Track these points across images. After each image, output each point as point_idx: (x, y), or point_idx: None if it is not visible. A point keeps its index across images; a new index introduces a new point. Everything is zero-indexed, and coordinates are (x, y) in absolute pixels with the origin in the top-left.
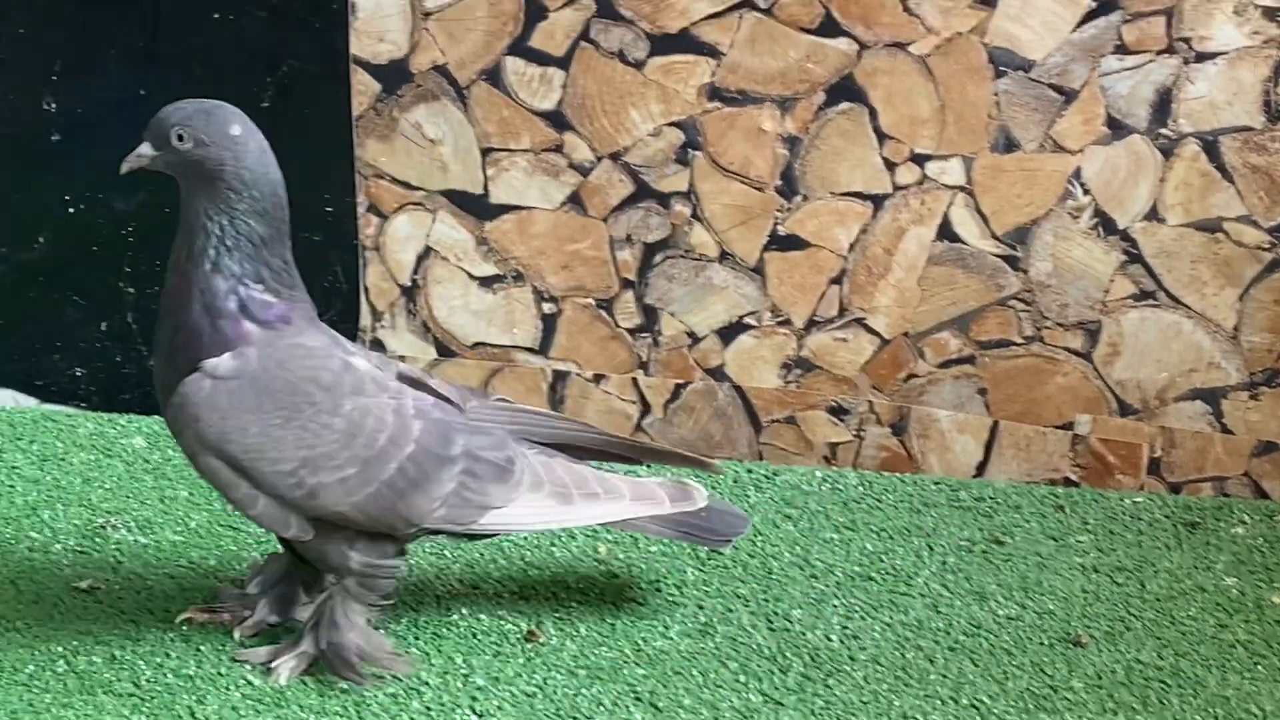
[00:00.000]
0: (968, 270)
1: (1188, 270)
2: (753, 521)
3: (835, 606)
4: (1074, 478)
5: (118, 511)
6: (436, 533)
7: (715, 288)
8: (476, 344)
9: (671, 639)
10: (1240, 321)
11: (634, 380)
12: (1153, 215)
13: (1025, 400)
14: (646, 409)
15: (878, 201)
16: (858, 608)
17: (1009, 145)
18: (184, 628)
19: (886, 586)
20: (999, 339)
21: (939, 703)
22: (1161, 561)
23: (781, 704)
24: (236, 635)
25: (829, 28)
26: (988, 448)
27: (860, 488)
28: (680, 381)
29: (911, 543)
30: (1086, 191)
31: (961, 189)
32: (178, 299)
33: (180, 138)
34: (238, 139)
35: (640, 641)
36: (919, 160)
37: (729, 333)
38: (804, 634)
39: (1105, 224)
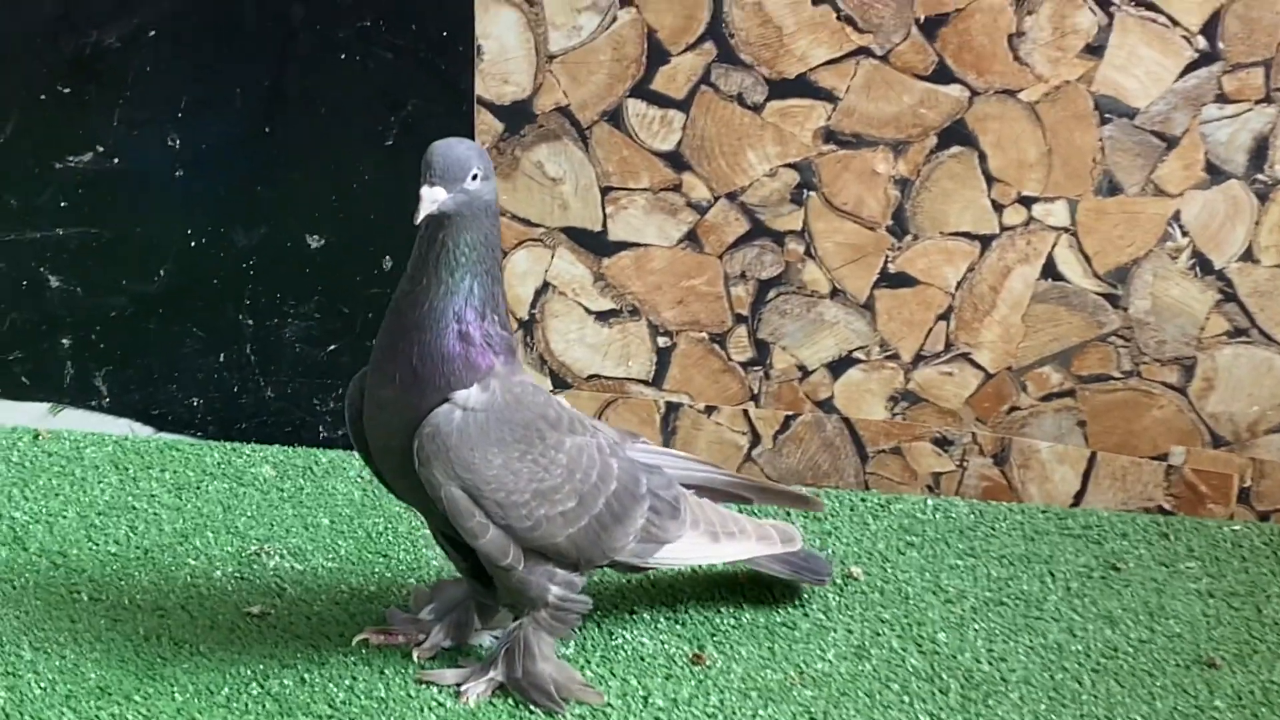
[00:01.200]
0: (1070, 308)
1: None
2: (878, 549)
3: (977, 630)
4: (1168, 506)
5: (266, 539)
6: (614, 565)
7: (826, 323)
8: (591, 376)
9: (830, 661)
10: None
11: (745, 412)
12: (1248, 256)
13: (1123, 432)
14: (756, 439)
15: (985, 241)
16: (998, 631)
17: (1112, 189)
18: (363, 650)
19: (1020, 611)
20: (1099, 373)
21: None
22: (1271, 587)
23: None
24: (415, 657)
25: (942, 74)
26: (1085, 477)
27: (972, 516)
28: (790, 413)
29: (1033, 569)
30: (1185, 234)
31: (1066, 230)
32: (422, 327)
33: (475, 176)
34: (492, 168)
35: (802, 664)
36: (1026, 202)
37: (838, 366)
38: (954, 656)
39: (1202, 264)
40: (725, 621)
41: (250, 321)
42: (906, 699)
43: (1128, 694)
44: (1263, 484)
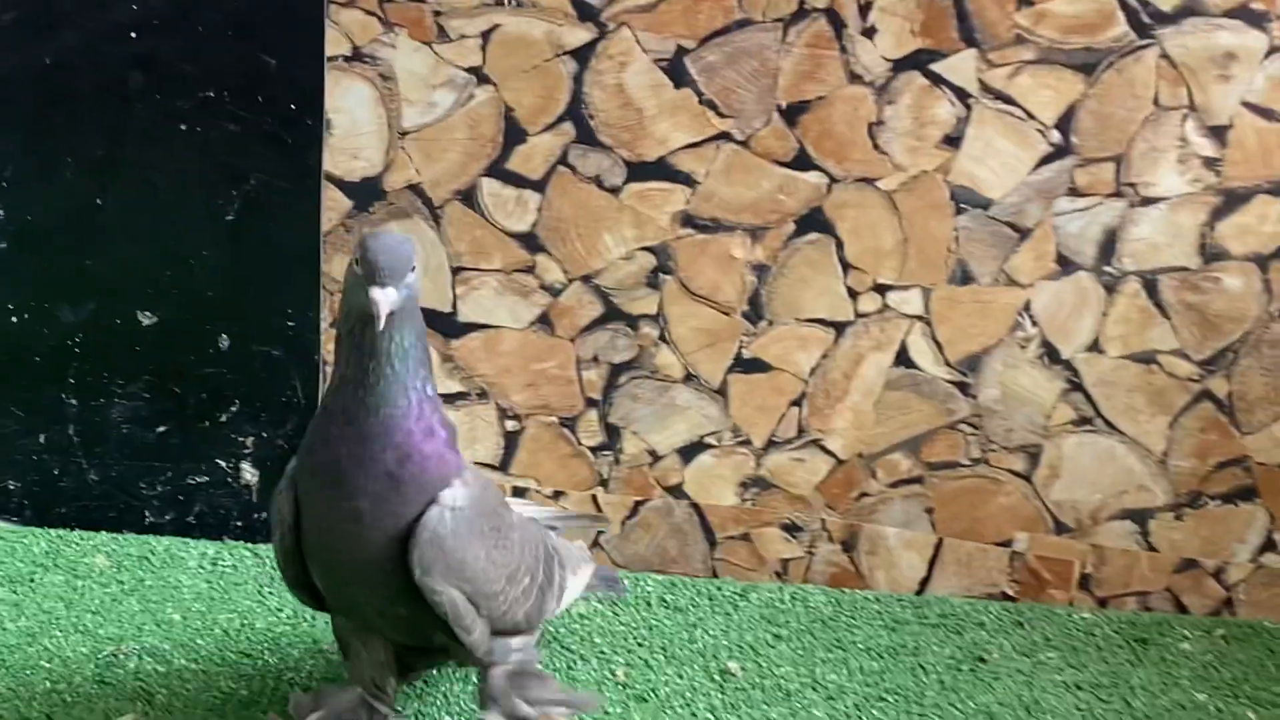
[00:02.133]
0: (921, 395)
1: (1124, 399)
2: (746, 641)
3: None
4: (1011, 592)
5: (120, 638)
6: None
7: (678, 408)
8: None
9: None
10: (1169, 447)
11: (593, 497)
12: (1094, 347)
13: (969, 519)
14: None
15: (840, 328)
16: None
17: (965, 278)
18: None
19: (901, 708)
20: (947, 460)
21: None
22: (1132, 679)
23: None
24: None
25: (801, 161)
26: (931, 564)
27: (830, 606)
28: (639, 499)
29: (903, 661)
30: (1035, 323)
31: (919, 318)
32: (390, 430)
33: (411, 269)
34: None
35: None
36: (881, 290)
37: (689, 451)
38: None
39: (1051, 354)
40: None
41: (74, 401)
42: None
43: None
44: (1103, 570)
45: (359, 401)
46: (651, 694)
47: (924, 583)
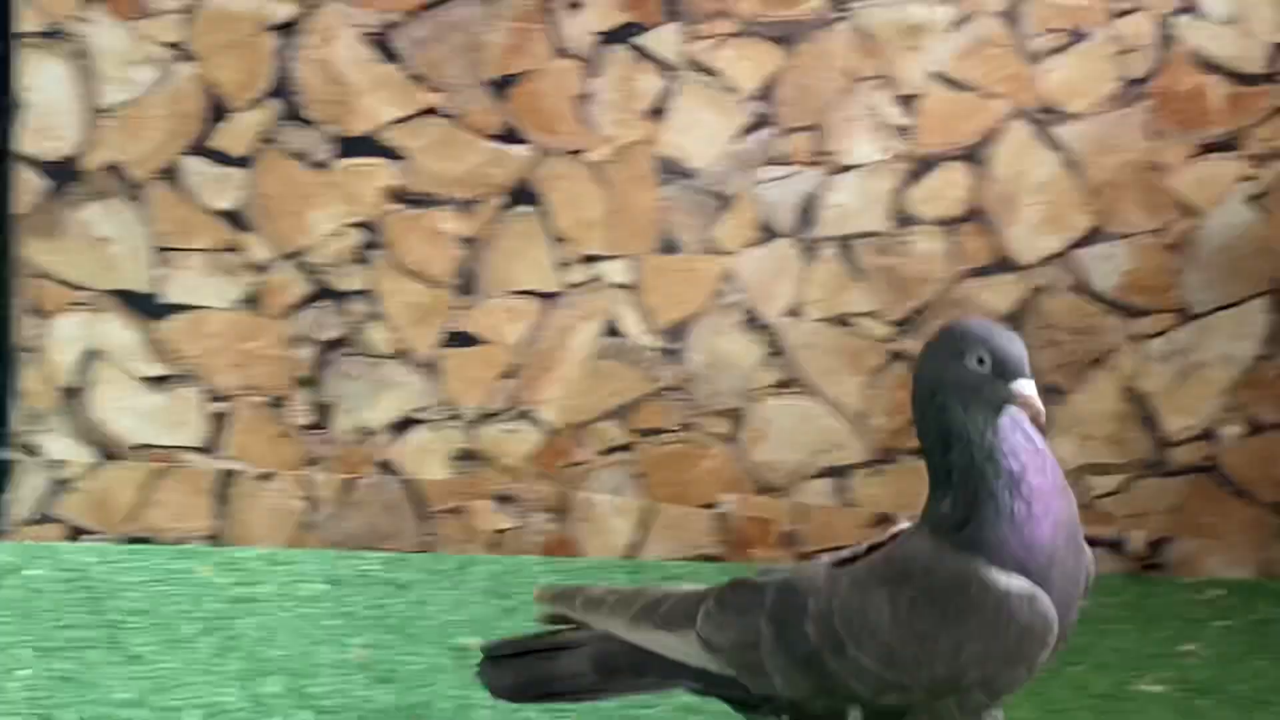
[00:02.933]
0: (630, 363)
1: (823, 361)
2: (475, 615)
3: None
4: (715, 553)
5: None
6: None
7: (389, 384)
8: (140, 445)
9: None
10: (866, 407)
11: (304, 477)
12: (795, 312)
13: (677, 483)
14: (315, 505)
15: (549, 299)
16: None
17: (672, 247)
18: None
19: None
20: (655, 427)
21: None
22: None
23: None
24: None
25: (510, 135)
26: (641, 528)
27: (551, 574)
28: (351, 476)
29: None
30: (739, 290)
31: (627, 288)
32: (1066, 494)
33: None
34: None
35: None
36: (590, 260)
37: (401, 427)
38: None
39: (753, 319)
40: (363, 708)
41: None
42: None
43: None
44: (804, 527)
45: (1043, 473)
46: (393, 674)
47: (635, 547)
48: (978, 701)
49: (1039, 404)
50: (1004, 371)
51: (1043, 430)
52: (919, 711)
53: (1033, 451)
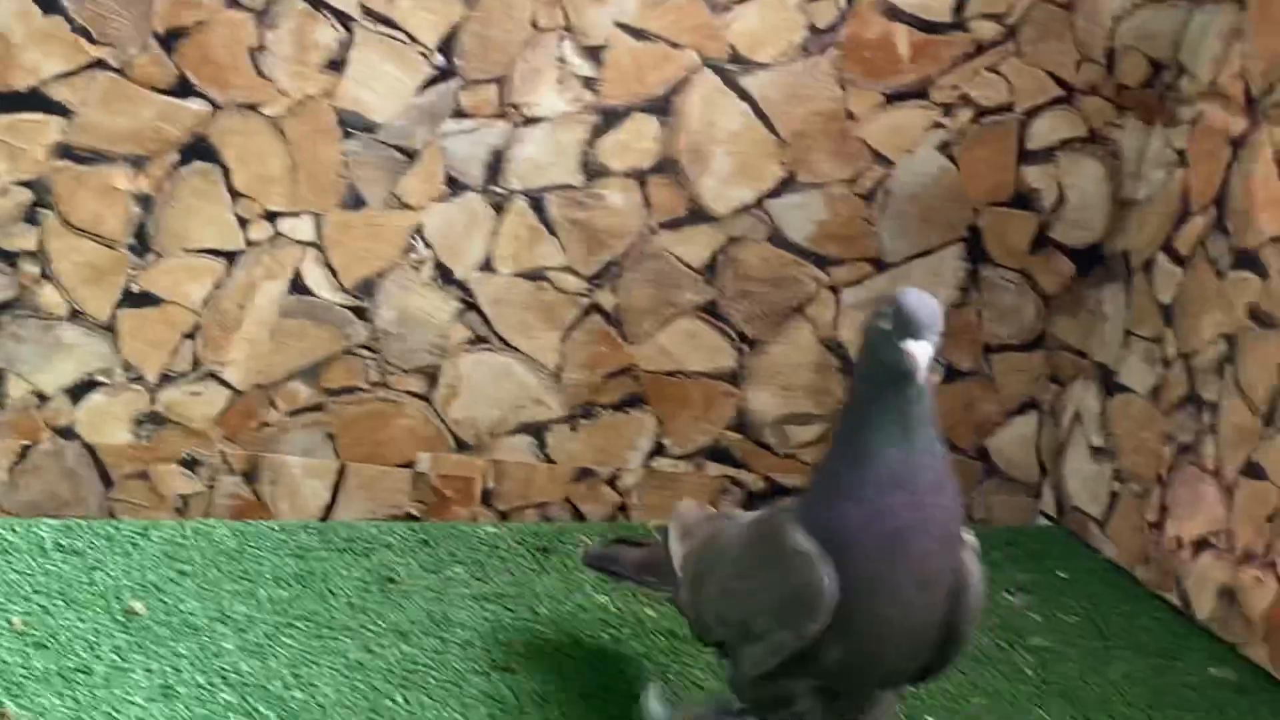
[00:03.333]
0: (318, 322)
1: (517, 316)
2: (150, 580)
3: (278, 657)
4: (415, 512)
5: None
6: None
7: (65, 346)
8: None
9: (141, 705)
10: (562, 361)
11: None
12: (487, 266)
13: (371, 442)
14: None
15: (231, 258)
16: (300, 656)
17: (357, 202)
18: None
19: (313, 633)
20: (347, 386)
21: None
22: (537, 586)
23: None
24: None
25: (183, 88)
26: (335, 490)
27: (234, 538)
28: (27, 443)
29: (313, 587)
30: (428, 245)
31: (312, 245)
32: (941, 489)
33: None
34: None
35: (112, 711)
36: (271, 217)
37: (79, 391)
38: (263, 686)
39: (444, 275)
40: (15, 673)
41: None
42: None
43: (441, 706)
44: (503, 484)
45: (911, 465)
46: (52, 639)
47: (329, 509)
48: (761, 657)
49: (918, 364)
50: (903, 332)
51: (931, 391)
52: (732, 653)
53: (902, 433)
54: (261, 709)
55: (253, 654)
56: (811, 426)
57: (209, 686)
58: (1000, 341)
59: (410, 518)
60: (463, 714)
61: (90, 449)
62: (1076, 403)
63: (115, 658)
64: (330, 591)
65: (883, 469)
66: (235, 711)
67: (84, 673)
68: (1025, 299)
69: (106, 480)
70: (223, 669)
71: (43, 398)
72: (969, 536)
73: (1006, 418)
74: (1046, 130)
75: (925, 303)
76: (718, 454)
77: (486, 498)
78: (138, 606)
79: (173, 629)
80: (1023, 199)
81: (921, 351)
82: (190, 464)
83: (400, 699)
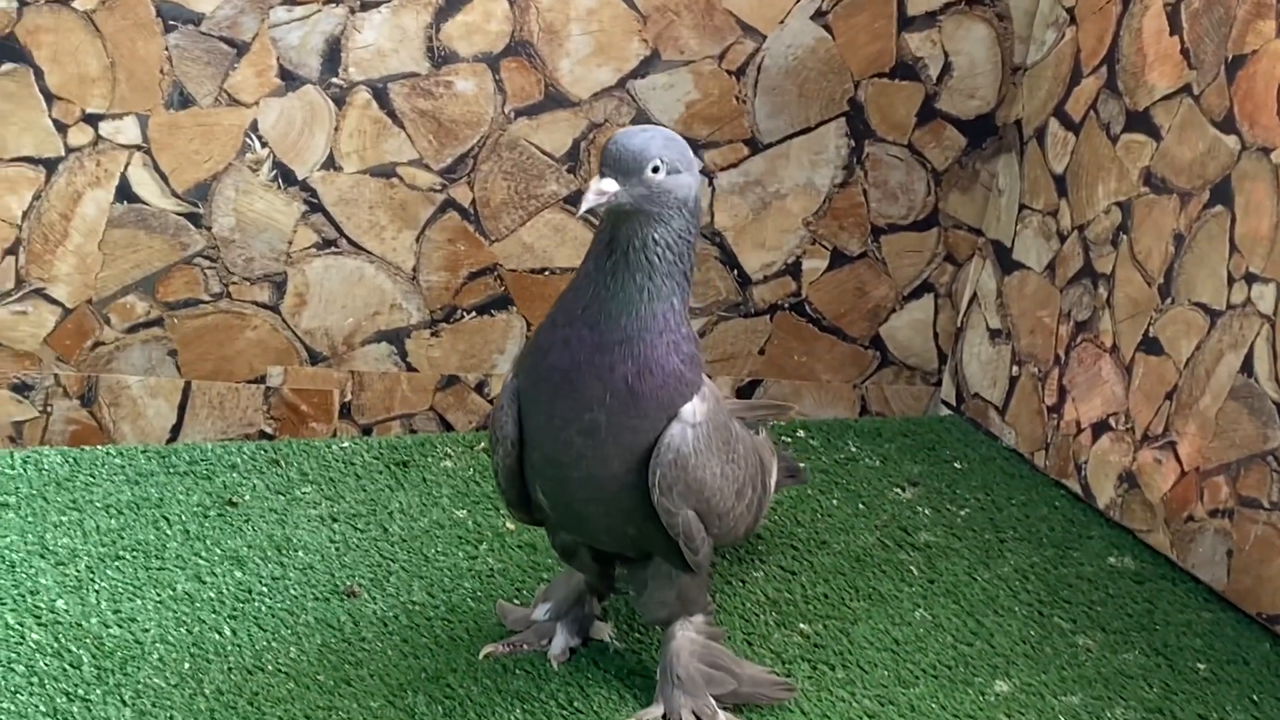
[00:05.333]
0: (150, 231)
1: (367, 216)
2: None
3: (99, 591)
4: (270, 430)
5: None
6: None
7: None
8: None
9: None
10: (419, 263)
11: None
12: (330, 164)
13: (217, 358)
14: None
15: (51, 166)
16: (122, 590)
17: (185, 101)
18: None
19: (140, 564)
20: (187, 298)
21: (246, 673)
22: (392, 503)
23: (88, 699)
24: (554, 666)
25: None
26: (181, 410)
27: (67, 466)
28: None
29: (145, 515)
30: (265, 144)
31: (139, 148)
32: (631, 339)
33: (655, 169)
34: (694, 162)
35: None
36: (92, 120)
37: None
38: (79, 624)
39: (285, 176)
40: None
41: None
42: (35, 680)
43: (271, 637)
44: (363, 397)
45: (600, 304)
46: None
47: (176, 431)
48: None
49: (586, 198)
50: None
51: (577, 213)
52: None
53: (592, 273)
54: (73, 648)
55: (72, 590)
56: (692, 320)
57: (18, 627)
58: (890, 222)
59: (264, 436)
60: (296, 643)
61: None
62: (974, 283)
63: None
64: (165, 519)
65: (576, 304)
66: (44, 653)
67: None
68: (914, 175)
69: None
70: (36, 608)
71: None
72: (694, 407)
73: (901, 302)
74: None
75: (625, 140)
76: None
77: (346, 412)
78: None
79: None
80: (906, 69)
81: (594, 186)
82: (22, 389)
83: (228, 630)
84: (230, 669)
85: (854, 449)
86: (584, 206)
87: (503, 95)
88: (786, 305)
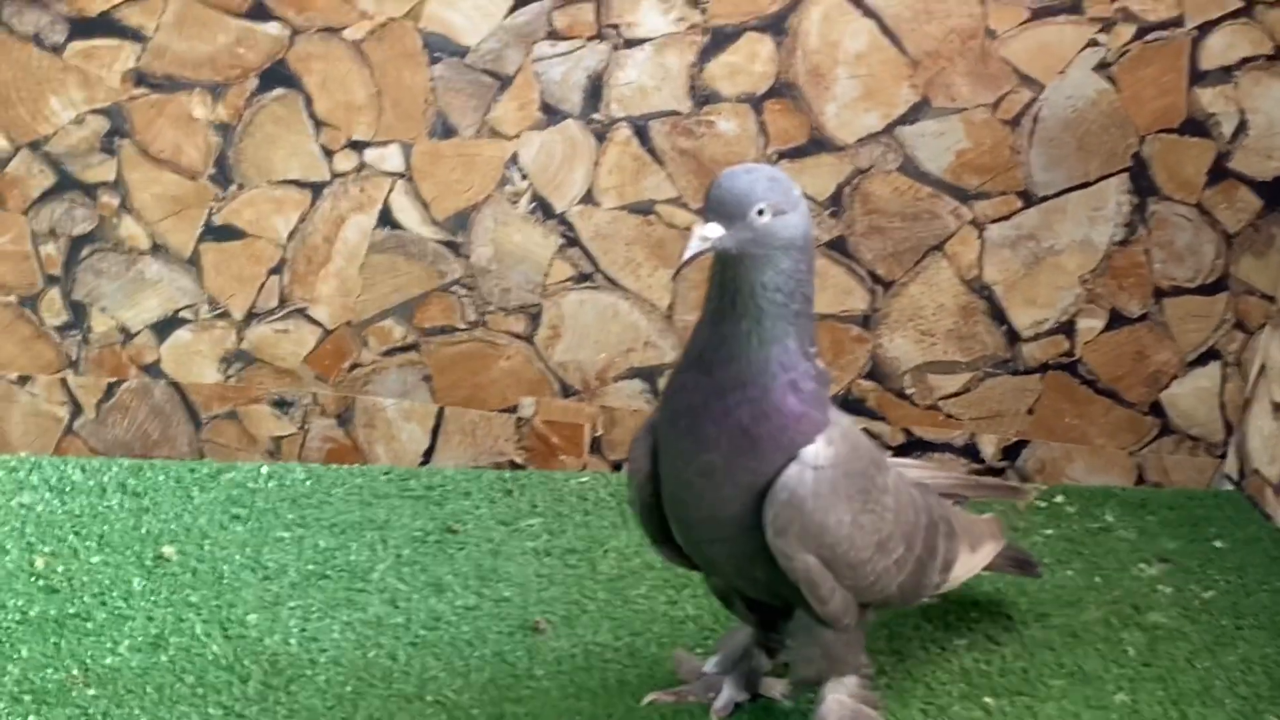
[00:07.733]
0: (410, 257)
1: (623, 252)
2: (199, 524)
3: (292, 609)
4: (519, 460)
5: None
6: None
7: (148, 281)
8: None
9: (122, 655)
10: (674, 301)
11: (63, 380)
12: (588, 199)
13: (470, 385)
14: (78, 410)
15: (316, 189)
16: (315, 608)
17: (447, 131)
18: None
19: (343, 584)
20: (443, 325)
21: (404, 701)
22: (610, 541)
23: (243, 715)
24: (714, 716)
25: (259, 12)
26: (434, 434)
27: (309, 482)
28: (114, 380)
29: (365, 537)
30: (524, 176)
31: (401, 176)
32: (745, 383)
33: (761, 212)
34: (800, 200)
35: (87, 660)
36: (357, 147)
37: (164, 327)
38: (261, 640)
39: (543, 208)
40: (9, 617)
41: None
42: (200, 691)
43: (443, 667)
44: (614, 432)
45: (713, 350)
46: (66, 584)
47: (428, 455)
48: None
49: (690, 244)
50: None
51: (680, 263)
52: None
53: (714, 314)
54: (246, 663)
55: (267, 606)
56: (956, 376)
57: (203, 638)
58: (1175, 284)
59: (515, 466)
60: (464, 675)
61: (178, 388)
62: (1264, 353)
63: (123, 604)
64: (382, 541)
65: (694, 347)
66: (218, 665)
67: (81, 618)
68: (1203, 236)
69: (196, 421)
70: (226, 621)
71: (128, 334)
72: (817, 449)
73: (1184, 369)
74: (1223, 47)
75: (725, 182)
76: (850, 405)
77: (596, 447)
78: (168, 552)
79: (196, 575)
80: (1196, 125)
81: (697, 232)
82: (282, 405)
83: (403, 657)
84: (390, 696)
85: (1111, 519)
86: (686, 254)
87: (765, 137)
88: (1059, 365)
